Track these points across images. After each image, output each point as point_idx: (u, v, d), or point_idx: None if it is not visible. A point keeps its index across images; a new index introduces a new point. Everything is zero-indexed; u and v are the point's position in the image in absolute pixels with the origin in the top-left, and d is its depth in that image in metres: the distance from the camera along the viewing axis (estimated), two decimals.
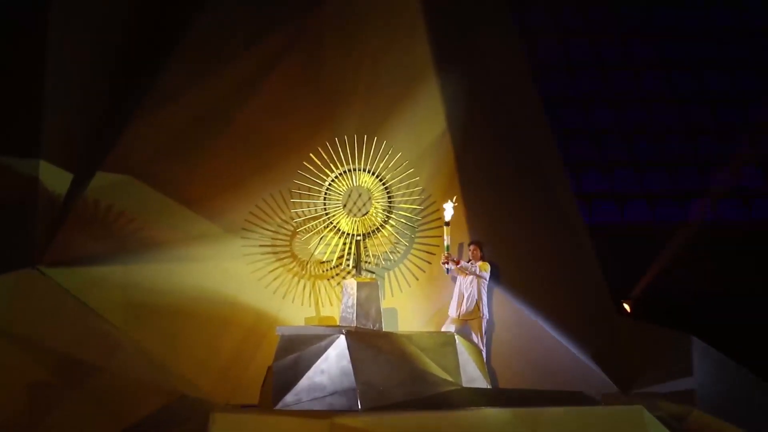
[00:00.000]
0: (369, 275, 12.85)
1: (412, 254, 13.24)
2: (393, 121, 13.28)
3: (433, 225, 13.22)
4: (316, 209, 12.88)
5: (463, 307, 12.89)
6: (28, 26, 13.15)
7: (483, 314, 12.92)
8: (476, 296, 12.88)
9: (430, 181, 13.33)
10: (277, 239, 13.12)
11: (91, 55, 13.26)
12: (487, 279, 12.95)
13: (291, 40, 13.39)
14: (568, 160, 17.04)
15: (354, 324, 12.32)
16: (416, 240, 13.29)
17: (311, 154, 12.82)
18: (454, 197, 12.94)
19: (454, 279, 13.10)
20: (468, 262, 12.98)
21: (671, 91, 19.49)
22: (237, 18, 13.35)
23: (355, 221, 12.90)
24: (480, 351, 12.61)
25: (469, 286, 12.90)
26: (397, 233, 13.03)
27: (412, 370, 11.67)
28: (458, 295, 12.96)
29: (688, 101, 19.33)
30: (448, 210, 12.77)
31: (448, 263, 12.83)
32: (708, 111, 19.21)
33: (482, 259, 12.99)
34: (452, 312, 12.98)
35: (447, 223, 12.76)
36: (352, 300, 12.44)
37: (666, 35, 20.04)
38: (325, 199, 12.85)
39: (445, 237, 12.78)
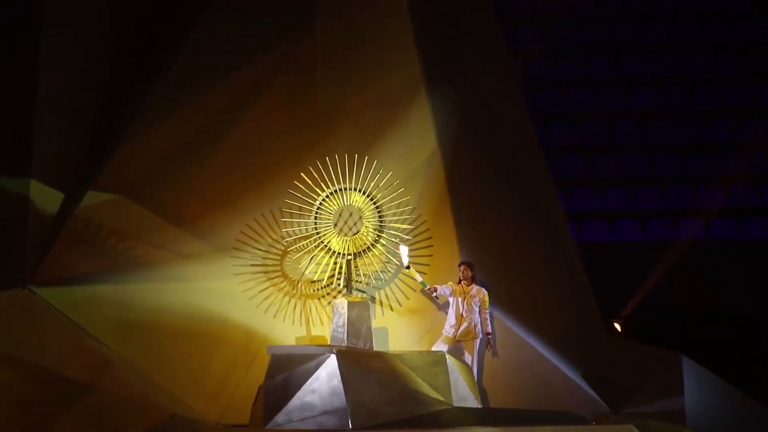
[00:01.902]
0: (360, 294, 12.85)
1: (403, 273, 13.21)
2: (384, 140, 13.30)
3: (424, 244, 13.23)
4: (306, 229, 12.89)
5: (462, 328, 12.85)
6: (19, 45, 13.14)
7: (478, 334, 12.91)
8: (476, 319, 12.85)
9: (420, 200, 13.33)
10: (268, 258, 13.11)
11: (82, 74, 13.23)
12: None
13: (283, 60, 13.40)
14: (559, 178, 17.08)
15: (345, 343, 12.30)
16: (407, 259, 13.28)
17: (302, 174, 12.84)
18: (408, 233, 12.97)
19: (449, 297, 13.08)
20: (459, 283, 12.95)
21: (662, 108, 19.54)
22: (229, 37, 13.35)
23: (346, 240, 12.90)
24: (471, 370, 12.60)
25: (467, 308, 12.84)
26: (387, 252, 13.03)
27: (402, 390, 11.67)
28: (455, 315, 12.89)
29: (681, 118, 19.39)
30: (405, 253, 12.78)
31: (435, 292, 12.85)
32: (700, 128, 19.23)
33: (473, 279, 12.91)
34: (448, 331, 12.93)
35: (408, 267, 12.79)
36: (343, 319, 12.43)
37: (658, 52, 20.10)
38: (316, 218, 12.86)
39: (416, 275, 12.84)
